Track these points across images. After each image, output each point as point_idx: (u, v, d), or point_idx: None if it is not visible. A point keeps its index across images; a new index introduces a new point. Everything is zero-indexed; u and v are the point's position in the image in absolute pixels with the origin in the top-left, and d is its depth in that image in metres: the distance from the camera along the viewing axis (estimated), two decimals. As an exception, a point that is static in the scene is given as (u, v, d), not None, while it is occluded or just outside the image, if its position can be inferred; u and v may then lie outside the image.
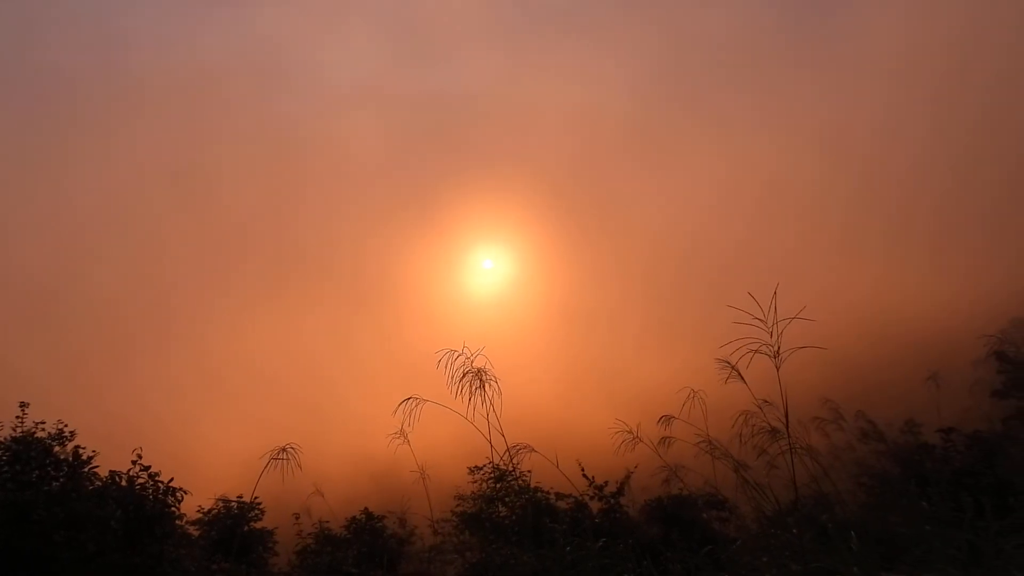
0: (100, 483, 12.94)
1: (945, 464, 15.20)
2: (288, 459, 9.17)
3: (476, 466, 16.77)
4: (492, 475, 16.31)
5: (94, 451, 13.21)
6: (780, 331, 7.09)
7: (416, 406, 8.74)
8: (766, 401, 8.03)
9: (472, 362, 8.84)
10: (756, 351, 7.22)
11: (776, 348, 7.16)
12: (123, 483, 12.98)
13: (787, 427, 7.46)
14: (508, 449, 9.00)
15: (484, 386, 8.68)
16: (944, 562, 5.92)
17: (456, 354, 8.86)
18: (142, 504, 12.76)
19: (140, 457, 13.28)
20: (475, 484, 16.56)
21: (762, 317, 7.11)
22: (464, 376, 8.72)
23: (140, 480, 13.13)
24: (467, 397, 8.65)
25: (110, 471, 13.05)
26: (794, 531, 7.07)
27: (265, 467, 9.13)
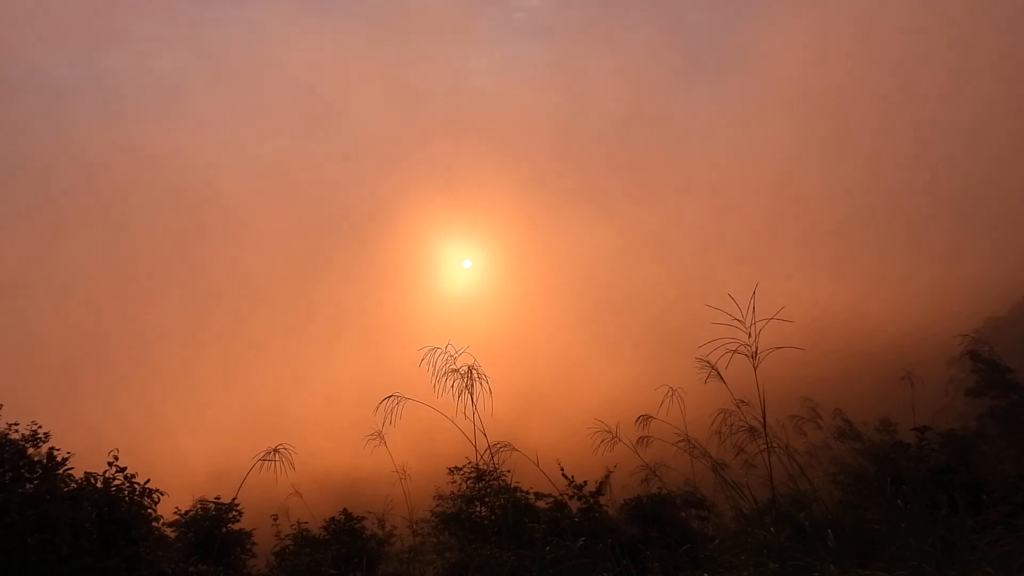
0: (75, 485, 12.75)
1: (920, 462, 15.35)
2: (280, 460, 9.10)
3: (456, 467, 16.75)
4: (472, 475, 16.30)
5: (69, 452, 13.02)
6: (758, 331, 7.17)
7: (397, 404, 8.71)
8: (743, 401, 8.11)
9: (456, 359, 8.84)
10: (734, 351, 7.29)
11: (754, 348, 7.23)
12: (98, 485, 12.80)
13: (764, 426, 7.53)
14: (489, 447, 9.00)
15: (472, 384, 8.68)
16: (919, 558, 6.00)
17: (439, 352, 8.85)
18: (118, 506, 12.59)
19: (116, 459, 13.09)
20: (454, 484, 16.54)
21: (740, 318, 7.19)
22: (448, 374, 8.72)
23: (116, 482, 12.94)
24: (450, 396, 8.65)
25: (85, 472, 12.85)
26: (772, 529, 7.14)
27: (252, 467, 9.05)
